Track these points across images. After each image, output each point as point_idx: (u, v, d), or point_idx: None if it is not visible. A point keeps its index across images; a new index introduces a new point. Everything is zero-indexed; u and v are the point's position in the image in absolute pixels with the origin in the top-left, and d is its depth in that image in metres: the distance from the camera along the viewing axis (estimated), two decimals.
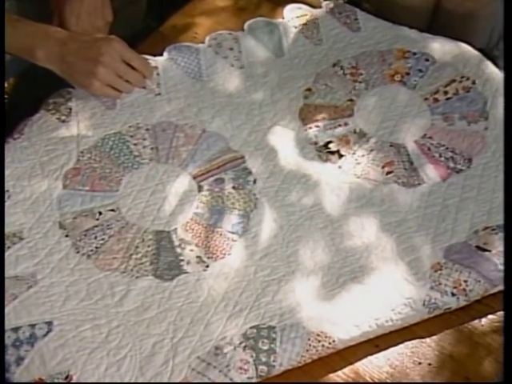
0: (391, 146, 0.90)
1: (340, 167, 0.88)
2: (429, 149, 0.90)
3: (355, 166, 0.88)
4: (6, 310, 0.74)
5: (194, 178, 0.87)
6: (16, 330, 0.73)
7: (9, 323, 0.73)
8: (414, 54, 0.99)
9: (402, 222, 0.83)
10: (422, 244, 0.81)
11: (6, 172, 0.84)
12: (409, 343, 0.76)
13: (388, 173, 0.88)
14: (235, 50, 1.00)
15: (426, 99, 0.95)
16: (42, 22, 0.87)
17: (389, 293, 0.77)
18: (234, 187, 0.86)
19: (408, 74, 0.97)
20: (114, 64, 0.86)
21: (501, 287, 0.78)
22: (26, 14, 0.88)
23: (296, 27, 1.03)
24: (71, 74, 0.86)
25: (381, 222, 0.83)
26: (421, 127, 0.92)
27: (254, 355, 0.72)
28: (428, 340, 0.76)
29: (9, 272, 0.77)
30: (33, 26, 0.85)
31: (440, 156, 0.89)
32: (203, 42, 1.00)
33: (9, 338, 0.72)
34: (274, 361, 0.72)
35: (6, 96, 1.15)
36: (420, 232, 0.82)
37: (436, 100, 0.94)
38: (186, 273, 0.78)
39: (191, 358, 0.72)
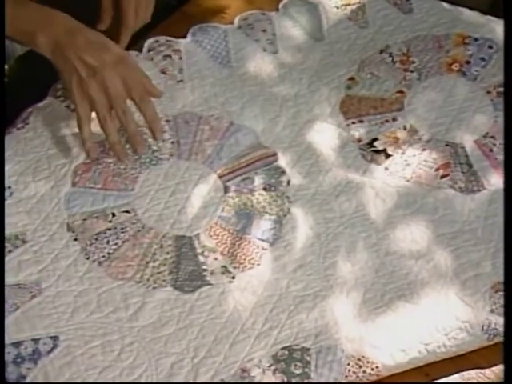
0: (447, 145, 0.91)
1: (387, 169, 0.90)
2: (491, 150, 0.91)
3: (404, 168, 0.89)
4: (7, 322, 0.75)
5: (220, 176, 0.88)
6: (17, 344, 0.74)
7: (9, 337, 0.75)
8: (476, 39, 1.00)
9: (458, 233, 0.84)
10: (481, 260, 0.82)
11: (8, 166, 0.87)
12: (464, 373, 0.76)
13: (443, 176, 0.88)
14: (268, 33, 1.01)
15: (489, 92, 0.95)
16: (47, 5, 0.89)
17: (442, 315, 0.78)
18: (264, 188, 0.87)
19: (468, 62, 0.98)
20: (111, 89, 0.83)
21: None
22: None
23: (338, 7, 1.05)
24: (60, 68, 0.85)
25: (434, 233, 0.84)
26: (482, 125, 0.93)
27: (286, 380, 0.73)
28: (487, 371, 0.76)
29: (10, 279, 0.79)
30: (38, 8, 0.86)
31: None
32: (232, 23, 1.02)
33: (9, 354, 0.74)
34: None
35: (5, 80, 1.18)
36: (479, 246, 0.83)
37: (500, 94, 0.95)
38: (210, 284, 0.80)
39: (214, 381, 0.74)
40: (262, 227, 0.84)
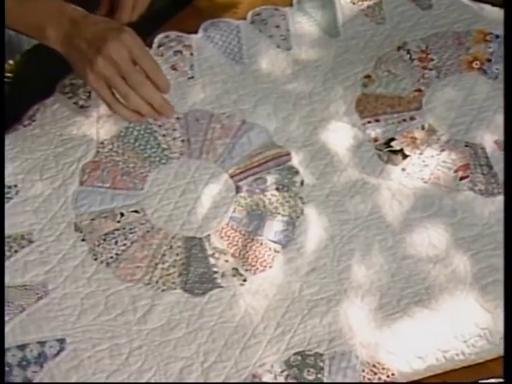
0: (467, 146, 0.91)
1: (404, 169, 0.89)
2: None
3: (422, 169, 0.89)
4: (12, 324, 0.76)
5: (232, 176, 0.89)
6: (23, 347, 0.75)
7: (15, 340, 0.75)
8: (497, 36, 0.99)
9: (478, 237, 0.84)
10: (501, 264, 0.81)
11: (14, 164, 0.87)
12: (484, 382, 0.76)
13: (462, 178, 0.88)
14: (282, 28, 1.02)
15: None
16: None
17: (460, 321, 0.77)
18: (277, 188, 0.87)
19: (489, 60, 0.98)
20: (118, 59, 0.83)
21: None
22: None
23: (354, 3, 1.05)
24: (72, 59, 0.87)
25: (452, 237, 0.83)
26: (503, 125, 0.92)
27: None
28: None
29: (16, 280, 0.79)
30: (46, 2, 0.87)
31: None
32: (245, 18, 1.02)
33: (14, 357, 0.74)
34: None
35: (11, 75, 1.19)
36: (499, 250, 0.82)
37: None
38: (220, 287, 0.80)
39: None
40: (275, 228, 0.84)
